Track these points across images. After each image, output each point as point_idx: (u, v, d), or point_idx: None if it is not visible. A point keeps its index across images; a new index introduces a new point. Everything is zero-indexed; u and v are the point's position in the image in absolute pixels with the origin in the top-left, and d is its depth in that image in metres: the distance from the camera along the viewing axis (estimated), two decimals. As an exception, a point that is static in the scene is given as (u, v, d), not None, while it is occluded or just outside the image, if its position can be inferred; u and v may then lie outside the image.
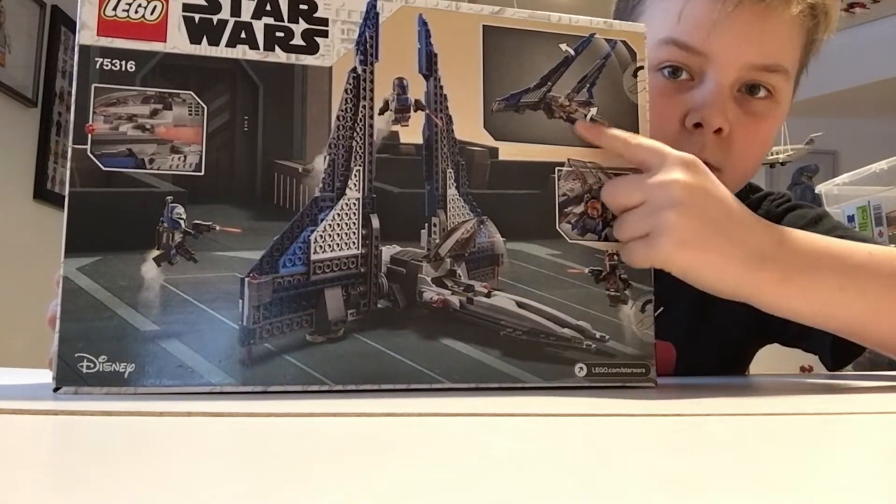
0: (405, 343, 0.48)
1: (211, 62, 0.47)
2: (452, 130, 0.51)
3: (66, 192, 0.44)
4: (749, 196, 0.82)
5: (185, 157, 0.46)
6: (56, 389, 0.42)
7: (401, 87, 0.50)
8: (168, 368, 0.43)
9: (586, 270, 0.53)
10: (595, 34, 0.55)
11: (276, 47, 0.48)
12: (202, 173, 0.46)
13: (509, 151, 0.52)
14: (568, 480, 0.22)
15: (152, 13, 0.46)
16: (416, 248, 0.50)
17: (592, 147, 0.54)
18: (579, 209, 0.53)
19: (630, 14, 0.74)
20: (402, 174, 0.50)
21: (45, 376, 0.49)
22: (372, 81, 0.49)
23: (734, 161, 0.70)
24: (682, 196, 0.50)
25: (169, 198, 0.45)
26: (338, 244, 0.48)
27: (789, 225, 0.76)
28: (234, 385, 0.44)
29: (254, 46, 0.48)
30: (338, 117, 0.49)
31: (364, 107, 0.49)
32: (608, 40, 0.55)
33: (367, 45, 0.50)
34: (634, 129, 0.55)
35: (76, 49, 0.45)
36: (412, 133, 0.50)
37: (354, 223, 0.48)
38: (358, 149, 0.49)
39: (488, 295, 0.51)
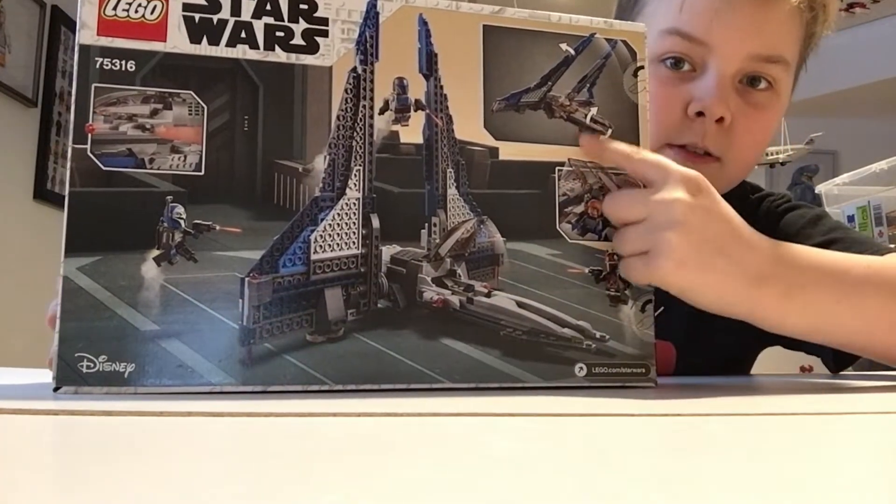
0: (405, 343, 0.48)
1: (211, 62, 0.47)
2: (453, 130, 0.51)
3: (66, 192, 0.44)
4: (749, 196, 0.82)
5: (185, 156, 0.46)
6: (56, 389, 0.42)
7: (401, 86, 0.50)
8: (168, 368, 0.43)
9: (586, 270, 0.53)
10: (595, 34, 0.55)
11: (277, 47, 0.48)
12: (202, 173, 0.46)
13: (509, 151, 0.52)
14: (568, 480, 0.22)
15: (152, 13, 0.46)
16: (416, 248, 0.50)
17: None
18: (579, 209, 0.53)
19: (633, 7, 0.74)
20: (402, 174, 0.50)
21: (45, 376, 0.49)
22: (372, 81, 0.49)
23: (735, 151, 0.70)
24: (683, 216, 0.50)
25: (169, 197, 0.45)
26: (338, 244, 0.48)
27: (789, 225, 0.77)
28: (234, 385, 0.44)
29: (254, 46, 0.48)
30: (338, 117, 0.49)
31: (364, 106, 0.49)
32: (608, 40, 0.55)
33: (368, 45, 0.50)
34: (635, 128, 0.55)
35: (76, 49, 0.45)
36: (412, 133, 0.50)
37: (354, 223, 0.48)
38: (358, 148, 0.49)
39: (488, 295, 0.51)
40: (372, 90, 0.49)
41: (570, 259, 0.53)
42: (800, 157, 3.66)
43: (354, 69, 0.49)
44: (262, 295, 0.46)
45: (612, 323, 0.53)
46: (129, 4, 0.46)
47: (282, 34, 0.48)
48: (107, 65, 0.45)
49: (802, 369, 1.50)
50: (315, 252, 0.47)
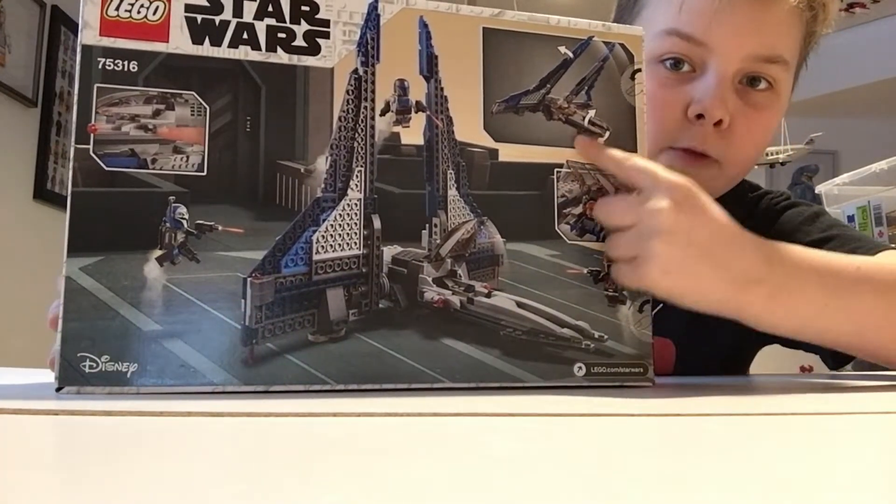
0: (406, 343, 0.48)
1: (213, 63, 0.47)
2: (453, 132, 0.51)
3: (69, 192, 0.44)
4: (748, 194, 0.82)
5: (188, 157, 0.46)
6: (59, 389, 0.42)
7: (402, 88, 0.50)
8: (170, 368, 0.43)
9: (585, 271, 0.53)
10: (593, 37, 0.55)
11: (278, 48, 0.48)
12: (204, 173, 0.46)
13: (509, 153, 0.52)
14: (568, 480, 0.22)
15: (155, 13, 0.46)
16: (417, 249, 0.50)
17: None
18: (578, 210, 0.54)
19: (632, 8, 0.74)
20: (403, 175, 0.50)
21: (46, 376, 0.48)
22: (373, 83, 0.49)
23: (734, 152, 0.70)
24: (669, 224, 0.50)
25: (171, 198, 0.45)
26: (339, 244, 0.48)
27: (787, 222, 0.77)
28: (237, 385, 0.44)
29: (256, 47, 0.48)
30: (339, 118, 0.49)
31: (365, 108, 0.49)
32: (606, 43, 0.55)
33: (369, 47, 0.50)
34: (632, 130, 0.56)
35: (79, 49, 0.45)
36: (413, 134, 0.50)
37: (356, 223, 0.48)
38: (359, 149, 0.49)
39: (488, 295, 0.51)
40: (373, 92, 0.49)
41: (569, 260, 0.53)
42: (800, 157, 3.67)
43: (356, 71, 0.49)
44: (265, 295, 0.46)
45: (611, 323, 0.53)
46: (132, 5, 0.46)
47: (283, 35, 0.48)
48: (109, 65, 0.45)
49: (802, 369, 1.50)
50: (317, 252, 0.47)
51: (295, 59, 0.48)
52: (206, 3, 0.47)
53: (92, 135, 0.44)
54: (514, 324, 0.51)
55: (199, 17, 0.47)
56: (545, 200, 0.53)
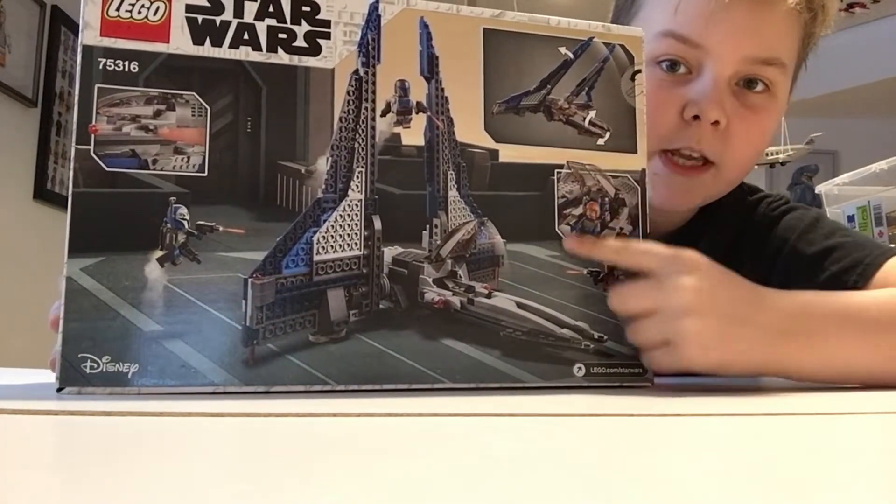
0: (407, 343, 0.48)
1: (214, 63, 0.47)
2: (453, 132, 0.51)
3: (70, 193, 0.44)
4: (747, 198, 0.81)
5: (189, 157, 0.46)
6: (59, 390, 0.42)
7: (402, 89, 0.50)
8: (171, 369, 0.43)
9: (585, 271, 0.53)
10: (594, 38, 0.55)
11: (279, 49, 0.48)
12: (205, 174, 0.46)
13: (509, 153, 0.52)
14: (568, 480, 0.22)
15: (155, 14, 0.46)
16: (417, 249, 0.50)
17: (591, 149, 0.54)
18: (578, 211, 0.54)
19: (629, 9, 0.74)
20: (403, 176, 0.50)
21: (47, 377, 0.48)
22: (374, 83, 0.49)
23: (731, 154, 0.70)
24: (694, 300, 0.50)
25: (172, 198, 0.45)
26: (340, 245, 0.48)
27: (788, 229, 0.76)
28: (237, 385, 0.44)
29: (257, 48, 0.48)
30: (340, 119, 0.49)
31: (366, 108, 0.49)
32: (606, 44, 0.55)
33: (370, 48, 0.50)
34: (632, 131, 0.56)
35: (79, 49, 0.45)
36: (413, 135, 0.50)
37: (357, 224, 0.48)
38: (360, 150, 0.49)
39: (489, 296, 0.51)
40: (374, 92, 0.49)
41: (569, 260, 0.53)
42: (800, 157, 3.67)
43: (356, 71, 0.49)
44: (266, 296, 0.46)
45: (610, 323, 0.53)
46: (133, 5, 0.46)
47: (284, 36, 0.48)
48: (110, 65, 0.45)
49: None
50: (318, 253, 0.47)
51: (296, 60, 0.48)
52: (207, 4, 0.47)
53: (93, 135, 0.44)
54: (514, 324, 0.51)
55: (200, 18, 0.47)
56: (545, 201, 0.53)
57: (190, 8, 0.47)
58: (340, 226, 0.48)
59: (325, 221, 0.48)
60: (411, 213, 0.50)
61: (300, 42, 0.49)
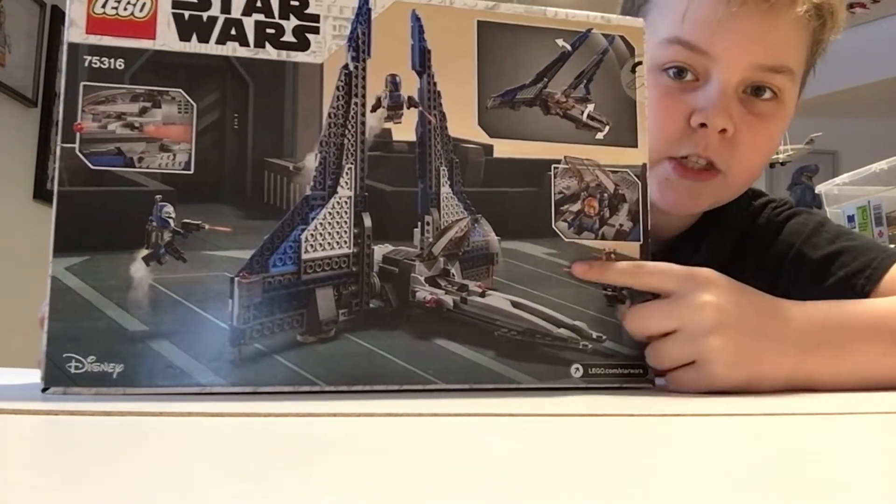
0: (398, 343, 0.48)
1: (201, 59, 0.47)
2: (446, 127, 0.51)
3: (55, 192, 0.44)
4: (752, 203, 0.81)
5: (175, 155, 0.46)
6: (45, 390, 0.42)
7: (393, 83, 0.49)
8: (157, 369, 0.43)
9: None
10: (592, 29, 0.54)
11: (267, 44, 0.48)
12: (191, 172, 0.46)
13: (504, 149, 0.52)
14: (568, 480, 0.22)
15: (141, 10, 0.46)
16: (408, 248, 0.49)
17: (590, 144, 0.53)
18: (576, 207, 0.53)
19: (636, 14, 0.74)
20: (394, 172, 0.49)
21: (38, 376, 0.48)
22: (364, 78, 0.49)
23: (738, 162, 0.70)
24: (717, 318, 0.50)
25: (158, 196, 0.45)
26: (329, 243, 0.48)
27: (793, 234, 0.77)
28: (224, 386, 0.44)
29: (244, 43, 0.48)
30: (329, 115, 0.48)
31: (356, 104, 0.49)
32: (606, 35, 0.54)
33: (360, 42, 0.49)
34: (633, 125, 0.55)
35: (65, 47, 0.45)
36: (405, 130, 0.50)
37: (346, 222, 0.48)
38: (350, 146, 0.49)
39: (483, 294, 0.50)
40: (364, 87, 0.49)
41: (566, 258, 0.52)
42: (800, 157, 3.66)
43: (346, 66, 0.49)
44: (253, 295, 0.45)
45: (609, 323, 0.52)
46: (119, 2, 0.46)
47: (272, 31, 0.48)
48: (95, 63, 0.45)
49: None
50: (306, 251, 0.47)
51: (284, 55, 0.48)
52: (194, 0, 0.46)
53: (78, 134, 0.44)
54: (509, 324, 0.50)
55: (187, 14, 0.47)
56: (542, 197, 0.52)
57: (176, 4, 0.47)
58: (329, 223, 0.48)
59: (313, 219, 0.48)
60: (402, 210, 0.49)
61: (288, 37, 0.48)
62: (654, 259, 0.54)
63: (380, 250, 0.48)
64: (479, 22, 0.52)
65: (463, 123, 0.51)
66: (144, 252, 0.44)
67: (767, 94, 0.70)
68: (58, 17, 2.91)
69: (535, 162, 0.52)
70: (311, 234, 0.47)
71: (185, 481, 0.21)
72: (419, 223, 0.50)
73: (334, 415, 0.36)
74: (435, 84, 0.50)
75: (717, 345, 0.50)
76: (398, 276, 0.49)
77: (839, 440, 0.32)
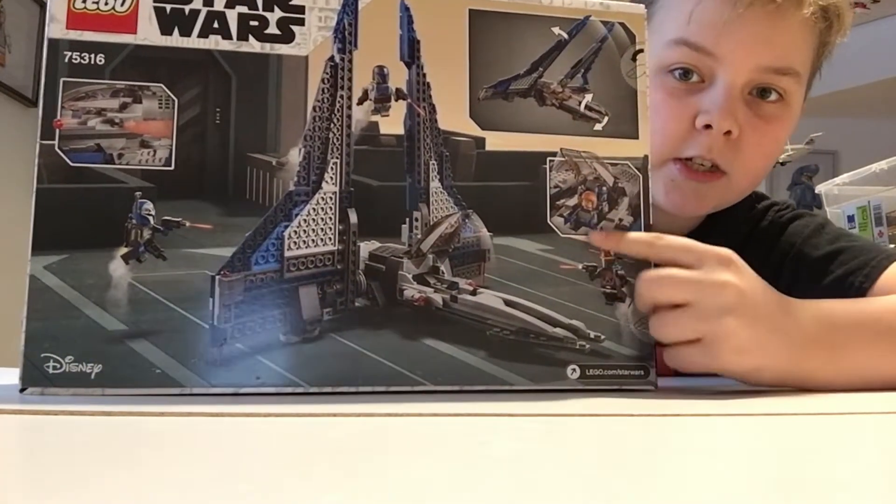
0: (385, 343, 0.47)
1: (182, 53, 0.46)
2: (436, 120, 0.50)
3: (34, 189, 0.44)
4: (755, 206, 0.82)
5: (155, 151, 0.46)
6: (23, 390, 0.42)
7: (381, 75, 0.48)
8: (136, 369, 0.43)
9: (580, 266, 0.51)
10: (590, 16, 0.52)
11: (250, 37, 0.48)
12: (172, 168, 0.45)
13: (497, 141, 0.51)
14: (568, 480, 0.22)
15: (122, 4, 0.46)
16: (396, 244, 0.49)
17: (587, 135, 0.52)
18: (573, 201, 0.51)
19: None
20: (381, 166, 0.49)
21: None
22: (350, 70, 0.48)
23: (743, 164, 0.70)
24: (737, 299, 0.49)
25: (138, 193, 0.45)
26: (313, 240, 0.47)
27: (794, 234, 0.77)
28: (205, 387, 0.44)
29: (227, 36, 0.47)
30: (314, 108, 0.48)
31: (342, 97, 0.48)
32: (605, 22, 0.53)
33: (346, 33, 0.48)
34: (633, 114, 0.54)
35: (45, 43, 0.45)
36: (393, 123, 0.49)
37: (331, 218, 0.48)
38: (335, 140, 0.48)
39: (474, 292, 0.49)
40: (350, 80, 0.48)
41: (563, 254, 0.51)
42: (800, 157, 3.64)
43: (332, 58, 0.48)
44: (234, 293, 0.45)
45: (608, 322, 0.51)
46: None
47: (256, 23, 0.48)
48: (76, 59, 0.45)
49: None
50: (289, 249, 0.47)
51: (267, 48, 0.48)
52: None
53: (57, 130, 0.44)
54: (501, 323, 0.49)
55: (169, 7, 0.47)
56: (536, 191, 0.51)
57: None
58: (313, 220, 0.47)
59: (296, 215, 0.47)
60: (390, 205, 0.49)
61: (272, 29, 0.48)
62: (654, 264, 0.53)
63: (366, 247, 0.48)
64: (470, 10, 0.51)
65: (453, 116, 0.50)
66: (124, 250, 0.44)
67: (773, 96, 0.70)
68: (58, 18, 2.91)
69: (529, 155, 0.51)
70: (295, 231, 0.47)
71: (185, 481, 0.21)
72: (407, 219, 0.49)
73: (334, 415, 0.36)
74: (424, 75, 0.50)
75: (730, 327, 0.49)
76: (385, 273, 0.48)
77: (839, 440, 0.32)
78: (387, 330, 0.47)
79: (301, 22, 0.48)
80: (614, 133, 0.53)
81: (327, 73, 0.48)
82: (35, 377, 0.42)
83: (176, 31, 0.46)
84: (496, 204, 0.50)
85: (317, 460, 0.25)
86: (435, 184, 0.49)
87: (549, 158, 0.51)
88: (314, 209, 0.47)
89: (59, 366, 0.42)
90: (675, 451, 0.29)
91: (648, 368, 0.51)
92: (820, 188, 1.99)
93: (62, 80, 0.44)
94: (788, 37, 0.68)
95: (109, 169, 0.44)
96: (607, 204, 0.52)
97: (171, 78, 0.46)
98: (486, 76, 0.51)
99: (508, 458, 0.26)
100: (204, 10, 0.46)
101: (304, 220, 0.47)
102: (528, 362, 0.49)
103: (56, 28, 0.45)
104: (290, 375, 0.45)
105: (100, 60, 0.45)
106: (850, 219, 1.82)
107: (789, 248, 0.76)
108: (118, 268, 0.43)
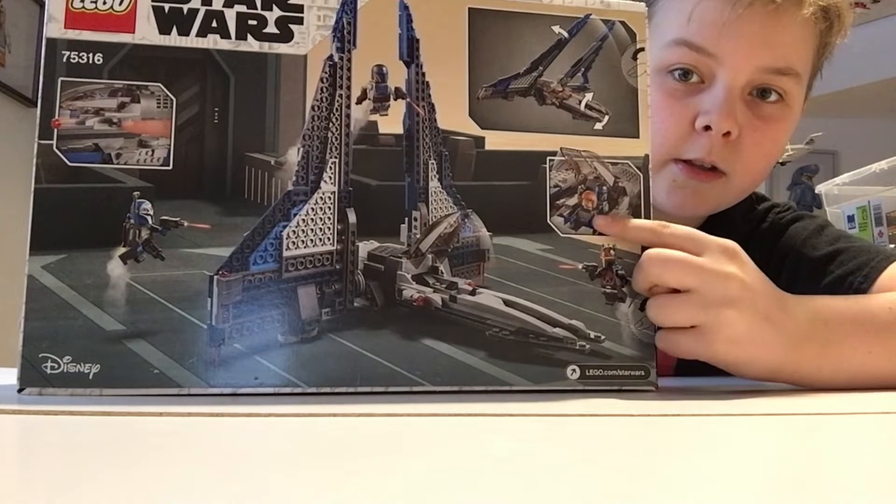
0: (383, 344, 0.47)
1: (181, 53, 0.46)
2: (435, 119, 0.50)
3: (32, 189, 0.44)
4: (755, 207, 0.82)
5: (153, 151, 0.46)
6: (20, 390, 0.42)
7: (380, 74, 0.48)
8: (134, 370, 0.43)
9: (580, 266, 0.51)
10: (591, 15, 0.52)
11: (249, 36, 0.48)
12: (170, 167, 0.45)
13: (497, 140, 0.51)
14: (568, 480, 0.22)
15: (121, 4, 0.46)
16: (395, 244, 0.49)
17: (588, 135, 0.52)
18: (573, 201, 0.51)
19: None
20: (380, 166, 0.49)
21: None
22: (349, 70, 0.48)
23: (743, 165, 0.70)
24: (739, 292, 0.50)
25: (136, 193, 0.45)
26: (311, 240, 0.47)
27: (794, 236, 0.78)
28: (203, 387, 0.44)
29: (225, 36, 0.47)
30: (312, 107, 0.48)
31: (341, 96, 0.48)
32: (605, 21, 0.53)
33: (345, 32, 0.48)
34: (634, 113, 0.54)
35: (43, 43, 0.45)
36: (392, 122, 0.49)
37: (329, 218, 0.48)
38: (334, 140, 0.48)
39: (473, 292, 0.49)
40: (349, 79, 0.48)
41: (562, 254, 0.51)
42: (800, 157, 3.64)
43: (331, 57, 0.48)
44: (232, 293, 0.45)
45: (608, 322, 0.51)
46: None
47: (254, 23, 0.48)
48: (74, 58, 0.45)
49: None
50: (287, 248, 0.47)
51: (266, 47, 0.48)
52: None
53: (55, 130, 0.44)
54: (500, 323, 0.49)
55: (167, 6, 0.47)
56: (536, 191, 0.51)
57: None
58: (312, 220, 0.47)
59: (295, 215, 0.47)
60: (389, 205, 0.49)
61: (271, 28, 0.48)
62: None
63: (365, 247, 0.48)
64: (470, 9, 0.51)
65: (453, 115, 0.50)
66: (122, 250, 0.44)
67: (773, 97, 0.70)
68: (58, 18, 2.91)
69: (529, 154, 0.51)
70: (293, 231, 0.47)
71: (185, 481, 0.21)
72: (406, 219, 0.49)
73: (334, 415, 0.36)
74: (423, 74, 0.50)
75: (729, 318, 0.49)
76: (384, 273, 0.48)
77: (839, 440, 0.32)
78: (386, 330, 0.47)
79: (300, 21, 0.48)
80: (614, 132, 0.53)
81: (326, 73, 0.48)
82: (33, 377, 0.42)
83: (174, 30, 0.46)
84: (496, 203, 0.50)
85: (316, 460, 0.25)
86: (434, 183, 0.49)
87: (549, 158, 0.51)
88: (313, 209, 0.47)
89: (57, 366, 0.42)
90: (676, 451, 0.29)
91: (649, 369, 0.51)
92: (820, 188, 1.99)
93: (60, 79, 0.44)
94: (788, 37, 0.68)
95: (107, 169, 0.44)
96: (607, 203, 0.52)
97: (170, 77, 0.46)
98: (486, 75, 0.51)
99: (508, 458, 0.26)
100: (202, 10, 0.46)
101: (303, 220, 0.47)
102: (527, 362, 0.49)
103: (54, 27, 0.45)
104: (288, 376, 0.45)
105: (98, 60, 0.45)
106: (850, 219, 1.82)
107: (789, 249, 0.76)
108: (116, 268, 0.43)
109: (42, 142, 0.44)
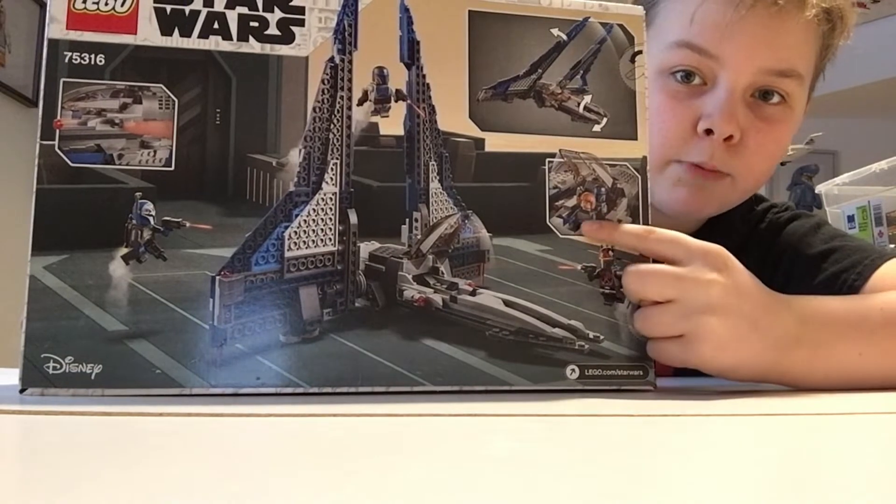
0: (384, 344, 0.47)
1: (182, 54, 0.47)
2: (436, 121, 0.50)
3: (34, 190, 0.44)
4: (754, 207, 0.82)
5: (155, 151, 0.46)
6: (22, 391, 0.42)
7: (381, 76, 0.49)
8: (136, 370, 0.43)
9: (579, 267, 0.51)
10: (589, 18, 0.52)
11: (251, 37, 0.48)
12: (172, 168, 0.45)
13: (496, 142, 0.51)
14: (567, 480, 0.22)
15: (123, 5, 0.46)
16: (396, 245, 0.49)
17: (586, 137, 0.52)
18: (571, 202, 0.51)
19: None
20: (381, 167, 0.49)
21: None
22: (350, 71, 0.48)
23: (745, 167, 0.70)
24: (720, 299, 0.50)
25: (138, 194, 0.45)
26: (313, 241, 0.47)
27: (791, 234, 0.78)
28: (205, 387, 0.44)
29: (227, 37, 0.47)
30: (314, 109, 0.48)
31: (342, 97, 0.48)
32: (604, 24, 0.53)
33: (346, 34, 0.48)
34: (632, 116, 0.54)
35: (45, 43, 0.45)
36: (392, 124, 0.49)
37: (331, 219, 0.48)
38: (335, 141, 0.48)
39: (473, 293, 0.49)
40: (350, 80, 0.48)
41: (562, 255, 0.51)
42: (800, 157, 3.65)
43: (332, 59, 0.48)
44: (234, 294, 0.45)
45: (607, 322, 0.51)
46: None
47: (256, 24, 0.48)
48: (76, 59, 0.45)
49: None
50: (289, 249, 0.47)
51: (268, 49, 0.48)
52: None
53: (57, 131, 0.44)
54: (500, 323, 0.49)
55: (169, 8, 0.47)
56: (535, 192, 0.52)
57: None
58: (313, 220, 0.47)
59: (297, 216, 0.47)
60: (390, 206, 0.49)
61: (272, 30, 0.48)
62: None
63: (366, 248, 0.48)
64: (470, 12, 0.51)
65: (453, 117, 0.50)
66: (124, 250, 0.44)
67: (775, 99, 0.70)
68: (58, 18, 2.91)
69: (528, 156, 0.51)
70: (295, 232, 0.47)
71: (185, 481, 0.21)
72: (407, 220, 0.49)
73: (335, 415, 0.36)
74: (424, 76, 0.50)
75: (712, 325, 0.49)
76: (385, 274, 0.48)
77: (838, 440, 0.32)
78: (386, 330, 0.47)
79: (301, 23, 0.48)
80: (613, 134, 0.53)
81: (327, 74, 0.48)
82: (35, 378, 0.42)
83: (176, 31, 0.46)
84: (495, 205, 0.50)
85: (316, 460, 0.25)
86: (434, 184, 0.49)
87: (548, 159, 0.51)
88: (314, 210, 0.47)
89: (59, 366, 0.42)
90: (675, 451, 0.29)
91: (647, 368, 0.51)
92: (820, 188, 1.99)
93: (62, 80, 0.44)
94: (791, 39, 0.68)
95: (109, 169, 0.44)
96: (606, 205, 0.52)
97: (172, 78, 0.46)
98: (486, 77, 0.51)
99: (508, 458, 0.26)
100: (204, 11, 0.46)
101: (304, 221, 0.47)
102: (527, 363, 0.49)
103: (56, 28, 0.45)
104: (289, 376, 0.45)
105: (100, 61, 0.45)
106: (850, 219, 1.82)
107: (785, 247, 0.76)
108: (118, 268, 0.43)
109: (44, 142, 0.44)
